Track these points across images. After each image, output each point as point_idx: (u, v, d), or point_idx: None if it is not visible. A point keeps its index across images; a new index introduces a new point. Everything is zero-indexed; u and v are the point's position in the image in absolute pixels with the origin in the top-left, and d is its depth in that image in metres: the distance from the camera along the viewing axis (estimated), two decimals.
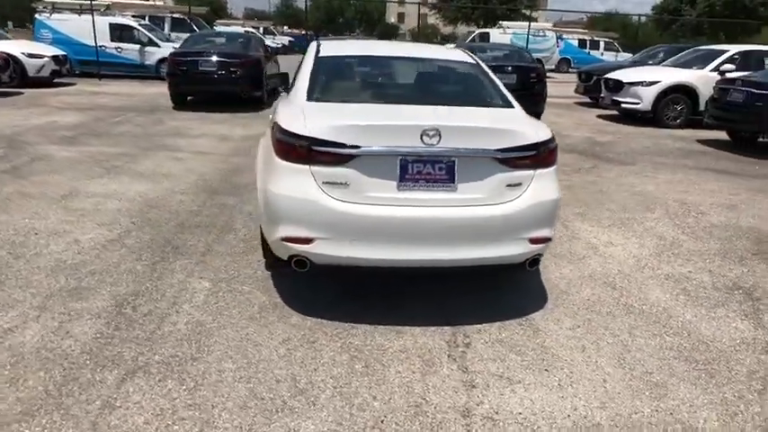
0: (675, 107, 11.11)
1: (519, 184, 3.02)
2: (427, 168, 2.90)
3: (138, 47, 15.53)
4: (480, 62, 4.07)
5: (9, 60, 12.20)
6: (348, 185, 2.86)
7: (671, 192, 6.33)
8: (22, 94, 12.06)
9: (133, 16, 18.21)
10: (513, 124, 3.13)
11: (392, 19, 79.29)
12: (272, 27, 39.94)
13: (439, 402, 2.53)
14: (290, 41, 37.30)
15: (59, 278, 3.54)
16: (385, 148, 2.85)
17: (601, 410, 2.54)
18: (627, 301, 3.62)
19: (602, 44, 30.49)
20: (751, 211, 5.68)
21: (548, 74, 13.30)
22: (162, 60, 15.50)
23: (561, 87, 16.06)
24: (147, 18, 18.47)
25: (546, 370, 2.82)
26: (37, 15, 16.40)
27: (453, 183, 2.93)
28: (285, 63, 12.93)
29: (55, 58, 13.59)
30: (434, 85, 3.88)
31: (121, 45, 15.54)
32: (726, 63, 10.91)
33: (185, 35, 18.58)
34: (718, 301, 3.69)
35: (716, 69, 10.86)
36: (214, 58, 10.48)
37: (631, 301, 3.62)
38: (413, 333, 3.09)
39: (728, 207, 5.81)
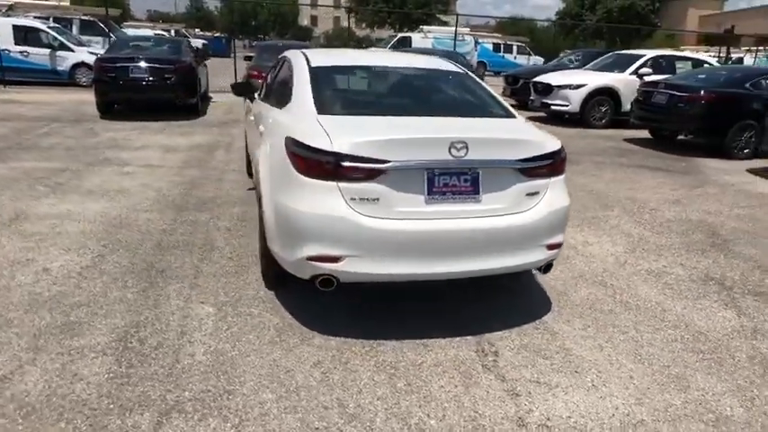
0: (600, 108, 11.87)
1: (536, 193, 3.10)
2: (453, 180, 2.91)
3: (47, 51, 14.29)
4: (468, 71, 4.15)
5: None
6: (378, 201, 2.81)
7: (620, 190, 6.75)
8: None
9: (36, 17, 16.80)
10: (528, 134, 3.21)
11: (305, 21, 78.72)
12: (183, 30, 38.19)
13: (491, 414, 2.54)
14: (203, 44, 35.86)
15: (42, 314, 3.19)
16: (415, 162, 2.82)
17: (639, 407, 2.66)
18: (622, 298, 3.81)
19: (515, 48, 32.02)
20: (694, 206, 6.19)
21: None
22: (76, 66, 14.48)
23: None
24: (51, 20, 17.09)
25: (576, 372, 2.92)
26: None
27: (478, 194, 2.96)
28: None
29: None
30: (438, 96, 3.89)
31: (28, 49, 14.25)
32: (643, 67, 11.80)
33: (96, 39, 17.57)
34: (698, 293, 3.98)
35: (635, 73, 11.73)
36: (146, 64, 9.85)
37: (626, 298, 3.82)
38: (440, 345, 3.08)
39: (673, 202, 6.29)
